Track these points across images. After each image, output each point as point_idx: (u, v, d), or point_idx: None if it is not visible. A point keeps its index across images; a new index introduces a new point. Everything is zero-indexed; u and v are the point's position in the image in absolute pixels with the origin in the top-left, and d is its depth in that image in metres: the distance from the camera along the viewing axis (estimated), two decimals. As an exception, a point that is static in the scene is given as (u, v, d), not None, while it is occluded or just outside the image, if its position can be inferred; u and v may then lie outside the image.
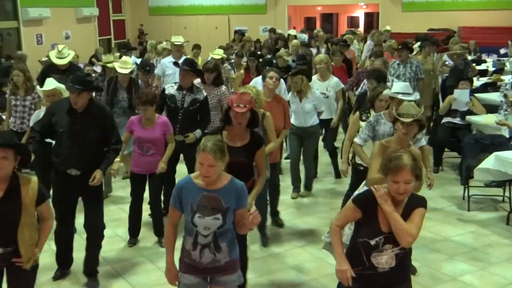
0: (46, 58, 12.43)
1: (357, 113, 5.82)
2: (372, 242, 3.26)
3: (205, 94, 6.36)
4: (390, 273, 3.31)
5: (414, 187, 3.27)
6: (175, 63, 7.33)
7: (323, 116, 7.15)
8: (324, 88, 7.54)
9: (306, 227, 6.27)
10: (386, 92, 5.39)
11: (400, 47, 9.01)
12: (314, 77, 7.56)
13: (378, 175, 3.64)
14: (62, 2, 15.71)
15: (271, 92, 6.11)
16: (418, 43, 11.18)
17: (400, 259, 3.31)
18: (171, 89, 6.35)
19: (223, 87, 7.07)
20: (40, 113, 5.92)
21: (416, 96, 5.36)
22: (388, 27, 15.03)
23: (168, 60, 8.63)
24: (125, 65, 7.26)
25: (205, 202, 3.44)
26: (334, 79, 7.68)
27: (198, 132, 6.13)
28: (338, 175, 7.58)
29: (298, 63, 8.97)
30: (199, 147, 3.43)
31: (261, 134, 4.74)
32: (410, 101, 4.80)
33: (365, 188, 4.32)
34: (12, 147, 3.47)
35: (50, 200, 3.89)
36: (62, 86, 5.64)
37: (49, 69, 7.80)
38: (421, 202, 3.32)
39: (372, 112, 5.54)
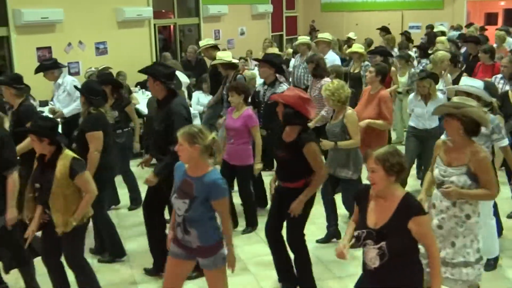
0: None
1: None
2: (355, 233, 3.39)
3: (284, 88, 6.29)
4: (375, 273, 3.33)
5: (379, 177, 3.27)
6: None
7: None
8: None
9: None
10: None
11: None
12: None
13: None
14: (240, -1, 16.40)
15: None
16: None
17: (386, 262, 3.22)
18: (259, 86, 6.78)
19: (323, 80, 7.15)
20: None
21: None
22: None
23: None
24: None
25: (182, 186, 3.81)
26: None
27: None
28: None
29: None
30: None
31: (310, 133, 4.67)
32: None
33: None
34: None
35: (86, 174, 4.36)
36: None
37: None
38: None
39: None
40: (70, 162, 4.27)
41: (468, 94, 5.05)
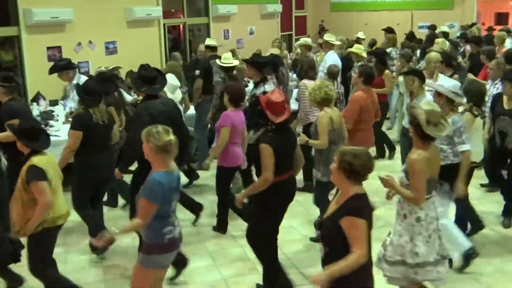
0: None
1: None
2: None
3: (264, 89, 6.43)
4: (323, 261, 3.50)
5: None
6: None
7: None
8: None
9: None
10: None
11: None
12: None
13: None
14: (249, -1, 16.41)
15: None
16: None
17: (328, 252, 3.41)
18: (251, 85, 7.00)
19: (301, 82, 7.35)
20: None
21: None
22: None
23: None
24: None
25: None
26: None
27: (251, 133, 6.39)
28: None
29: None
30: None
31: (267, 134, 4.71)
32: None
33: None
34: None
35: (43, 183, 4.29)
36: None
37: None
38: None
39: None
40: (28, 168, 4.29)
41: (439, 93, 5.09)
